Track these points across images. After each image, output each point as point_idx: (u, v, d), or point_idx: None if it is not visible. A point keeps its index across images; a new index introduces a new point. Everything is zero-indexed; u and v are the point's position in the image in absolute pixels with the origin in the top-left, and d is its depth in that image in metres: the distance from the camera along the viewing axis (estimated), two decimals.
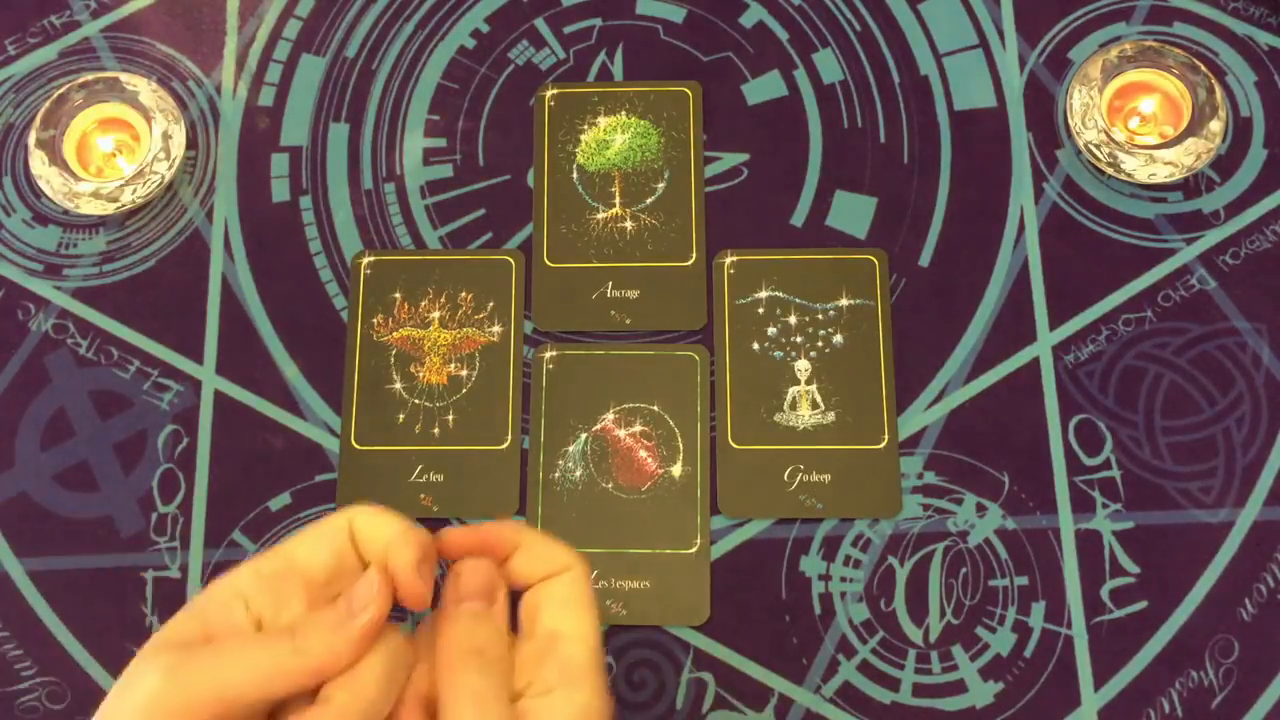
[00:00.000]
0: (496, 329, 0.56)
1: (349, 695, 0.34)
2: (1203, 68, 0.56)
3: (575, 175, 0.58)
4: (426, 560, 0.36)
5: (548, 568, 0.37)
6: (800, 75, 0.59)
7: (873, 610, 0.52)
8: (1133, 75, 0.57)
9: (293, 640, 0.34)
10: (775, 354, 0.55)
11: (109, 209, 0.56)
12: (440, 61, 0.60)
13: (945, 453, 0.54)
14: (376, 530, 0.37)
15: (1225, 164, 0.58)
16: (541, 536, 0.38)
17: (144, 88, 0.58)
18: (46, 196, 0.57)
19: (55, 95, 0.57)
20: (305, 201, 0.58)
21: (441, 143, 0.59)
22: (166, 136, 0.57)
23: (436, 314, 0.56)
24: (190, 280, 0.57)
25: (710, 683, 0.51)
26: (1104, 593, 0.52)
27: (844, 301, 0.56)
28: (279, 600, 0.36)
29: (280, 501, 0.54)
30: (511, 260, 0.57)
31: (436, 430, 0.54)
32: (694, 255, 0.57)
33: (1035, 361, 0.55)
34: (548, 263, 0.57)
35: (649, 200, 0.58)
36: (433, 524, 0.53)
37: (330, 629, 0.34)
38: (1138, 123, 0.57)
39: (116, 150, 0.58)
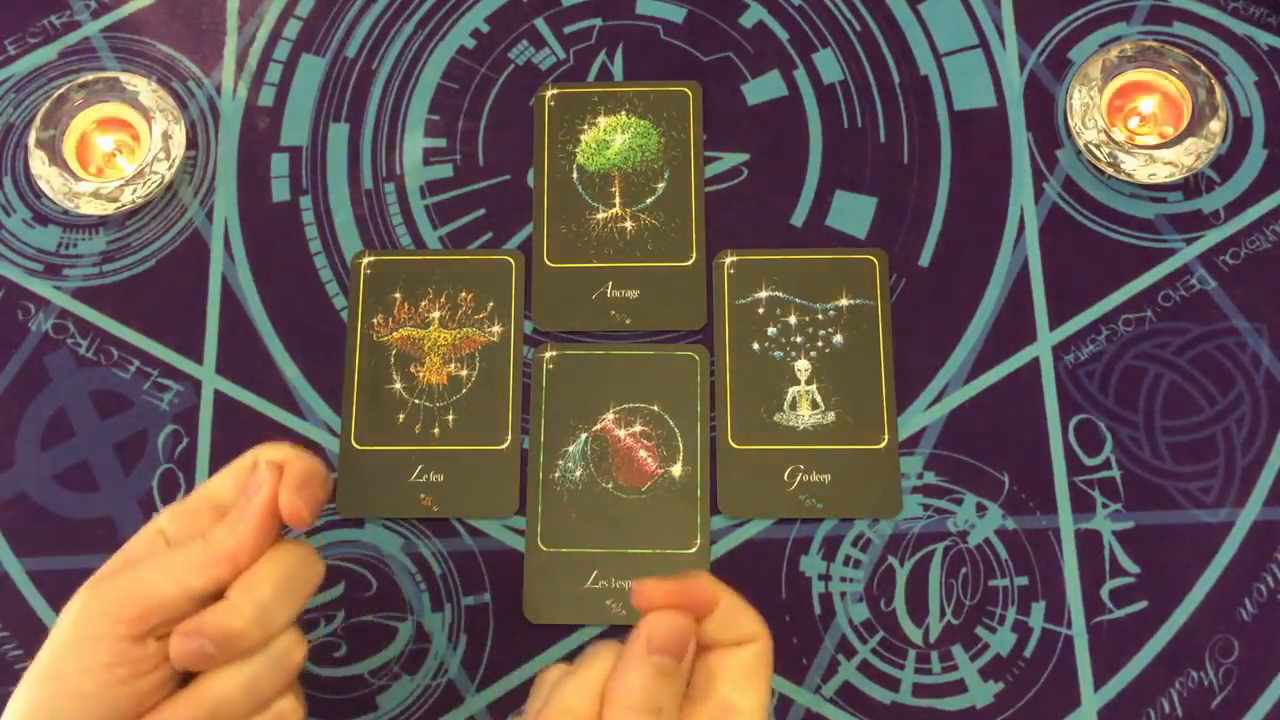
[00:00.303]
0: (496, 329, 0.56)
1: (245, 592, 0.38)
2: (1203, 68, 0.56)
3: (575, 175, 0.58)
4: (310, 484, 0.40)
5: (736, 634, 0.37)
6: (800, 75, 0.59)
7: (873, 610, 0.52)
8: (1133, 75, 0.57)
9: (203, 539, 0.39)
10: (775, 354, 0.55)
11: (109, 209, 0.56)
12: (440, 61, 0.60)
13: (945, 453, 0.54)
14: (276, 455, 0.41)
15: (1225, 164, 0.58)
16: (737, 600, 0.38)
17: (144, 88, 0.58)
18: (46, 196, 0.57)
19: (55, 95, 0.57)
20: (305, 201, 0.58)
21: (441, 143, 0.59)
22: (166, 136, 0.57)
23: (436, 314, 0.56)
24: (190, 280, 0.57)
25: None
26: (1104, 593, 0.52)
27: (844, 301, 0.56)
28: (193, 528, 0.40)
29: None
30: (511, 260, 0.57)
31: (436, 430, 0.54)
32: (694, 255, 0.57)
33: (1035, 361, 0.55)
34: (548, 263, 0.57)
35: (649, 200, 0.58)
36: (433, 524, 0.54)
37: (231, 521, 0.39)
38: (1138, 123, 0.57)
39: (116, 150, 0.58)
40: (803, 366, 0.55)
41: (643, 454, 0.54)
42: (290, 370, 0.56)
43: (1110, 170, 0.56)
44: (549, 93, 0.59)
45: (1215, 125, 0.55)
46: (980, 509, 0.53)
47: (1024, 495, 0.53)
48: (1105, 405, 0.54)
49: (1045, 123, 0.58)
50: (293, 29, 0.61)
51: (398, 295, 0.56)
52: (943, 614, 0.52)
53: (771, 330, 0.56)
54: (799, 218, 0.57)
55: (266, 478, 0.39)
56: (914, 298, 0.56)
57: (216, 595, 0.38)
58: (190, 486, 0.54)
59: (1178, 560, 0.53)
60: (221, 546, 0.38)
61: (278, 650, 0.39)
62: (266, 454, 0.41)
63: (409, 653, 0.52)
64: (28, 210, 0.58)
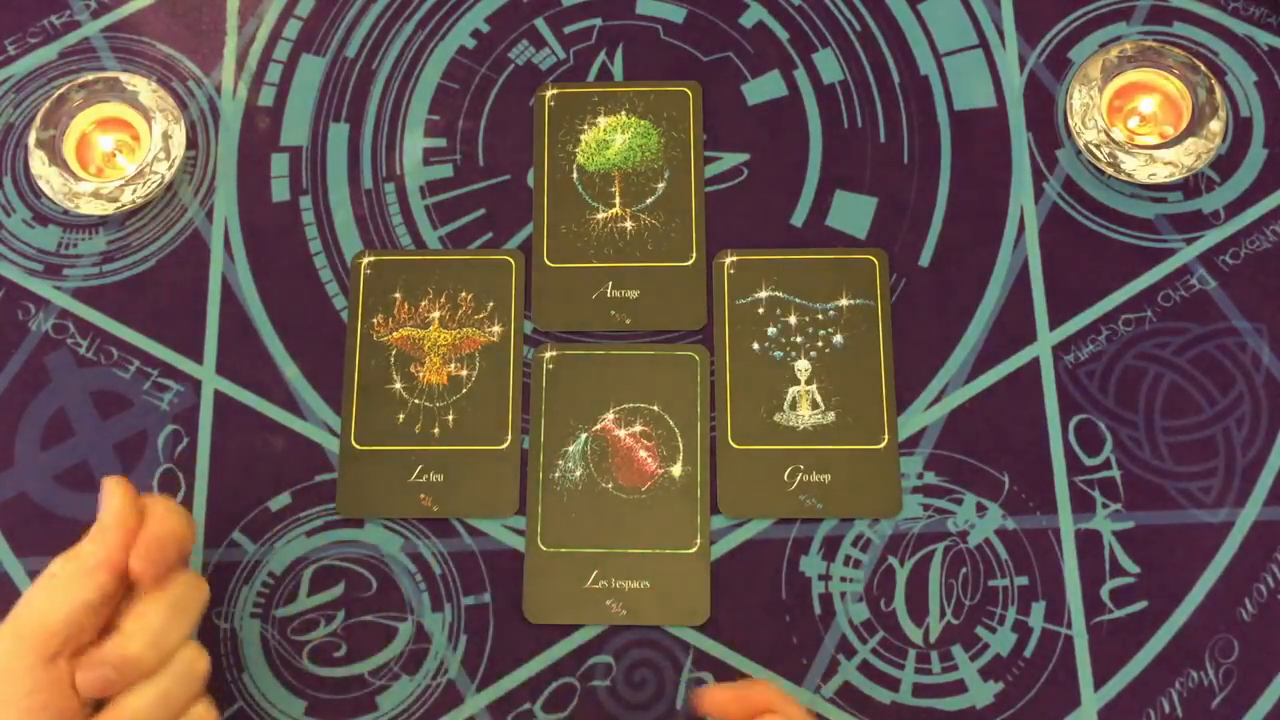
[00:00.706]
0: (496, 329, 0.56)
1: (136, 621, 0.42)
2: (1203, 68, 0.56)
3: (575, 175, 0.58)
4: (162, 548, 0.43)
5: None
6: (800, 75, 0.59)
7: (873, 610, 0.52)
8: (1133, 75, 0.57)
9: (76, 557, 0.43)
10: (775, 354, 0.55)
11: (109, 209, 0.56)
12: (440, 61, 0.60)
13: (945, 453, 0.54)
14: (151, 504, 0.45)
15: (1225, 164, 0.58)
16: (794, 706, 0.44)
17: (144, 88, 0.58)
18: (46, 196, 0.57)
19: (55, 95, 0.57)
20: (305, 201, 0.58)
21: (441, 143, 0.59)
22: (166, 136, 0.57)
23: (436, 314, 0.56)
24: (190, 280, 0.57)
25: (710, 683, 0.51)
26: (1104, 593, 0.52)
27: (844, 301, 0.56)
28: None
29: (280, 501, 0.54)
30: (511, 260, 0.57)
31: (436, 430, 0.54)
32: (694, 255, 0.57)
33: (1035, 361, 0.55)
34: (548, 263, 0.57)
35: (649, 200, 0.58)
36: (433, 524, 0.54)
37: (95, 533, 0.43)
38: (1138, 123, 0.57)
39: (116, 150, 0.58)
40: (803, 366, 0.55)
41: (643, 454, 0.54)
42: (290, 370, 0.56)
43: (1110, 170, 0.56)
44: (549, 93, 0.59)
45: (1215, 125, 0.55)
46: (980, 509, 0.53)
47: (1024, 495, 0.53)
48: (1105, 405, 0.54)
49: (1045, 123, 0.58)
50: (293, 29, 0.61)
51: (398, 295, 0.56)
52: (943, 614, 0.52)
53: (771, 330, 0.56)
54: (799, 218, 0.57)
55: (113, 490, 0.44)
56: (914, 298, 0.56)
57: (110, 602, 0.43)
58: (190, 487, 0.54)
59: (1178, 560, 0.53)
60: (92, 557, 0.43)
61: (181, 665, 0.43)
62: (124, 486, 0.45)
63: (409, 653, 0.52)
64: (28, 210, 0.58)
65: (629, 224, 0.57)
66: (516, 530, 0.53)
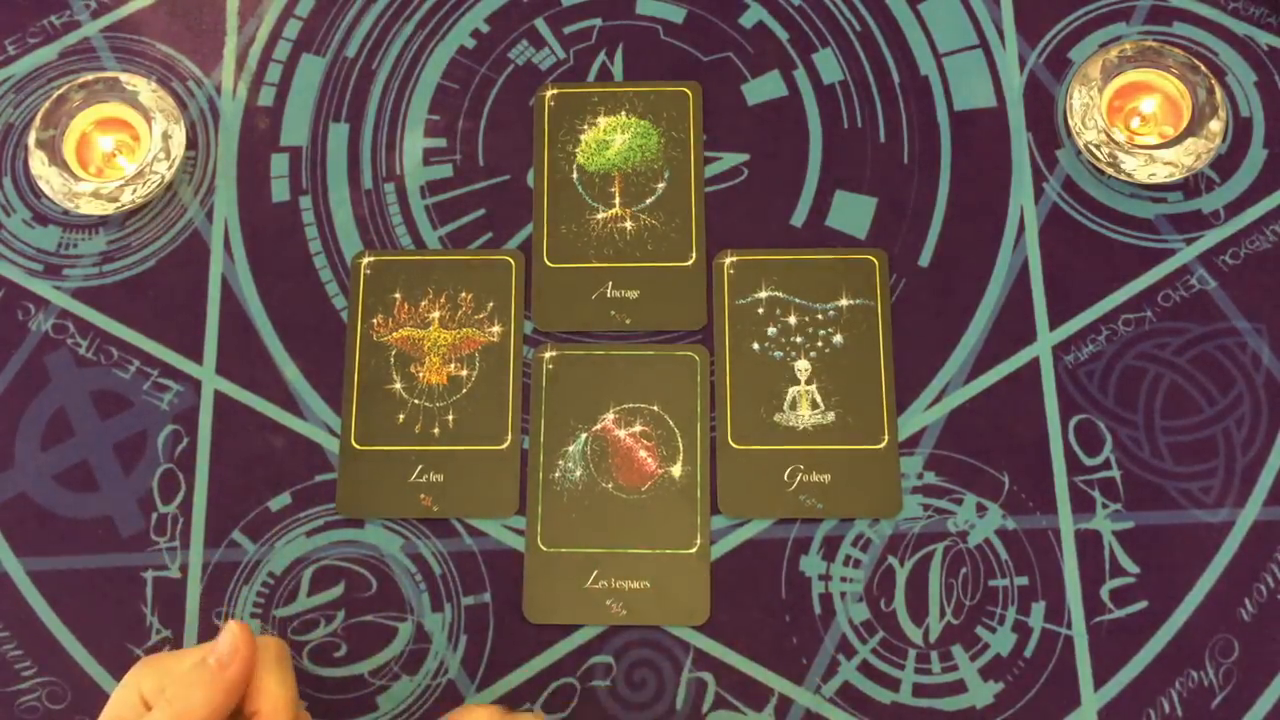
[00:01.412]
0: (496, 329, 0.56)
1: (268, 702, 0.41)
2: (1203, 68, 0.56)
3: (575, 175, 0.58)
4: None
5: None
6: (800, 75, 0.59)
7: (873, 610, 0.52)
8: (1133, 75, 0.57)
9: (168, 702, 0.40)
10: (775, 354, 0.55)
11: (109, 209, 0.56)
12: (440, 61, 0.60)
13: (945, 453, 0.54)
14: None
15: (1225, 164, 0.58)
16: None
17: (144, 88, 0.58)
18: (46, 196, 0.57)
19: (55, 95, 0.57)
20: (305, 201, 0.58)
21: (441, 143, 0.59)
22: (166, 136, 0.57)
23: (436, 314, 0.56)
24: (190, 280, 0.57)
25: (710, 683, 0.51)
26: (1104, 593, 0.52)
27: (844, 301, 0.56)
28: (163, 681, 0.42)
29: (280, 501, 0.54)
30: (511, 260, 0.57)
31: (436, 430, 0.54)
32: (694, 255, 0.57)
33: (1035, 361, 0.55)
34: (548, 263, 0.57)
35: (649, 200, 0.58)
36: (433, 524, 0.54)
37: (204, 684, 0.40)
38: (1138, 123, 0.57)
39: (116, 150, 0.58)
40: (803, 366, 0.55)
41: (643, 454, 0.54)
42: (290, 370, 0.56)
43: (1110, 170, 0.56)
44: (549, 93, 0.59)
45: (1215, 125, 0.55)
46: (980, 509, 0.53)
47: (1024, 495, 0.53)
48: (1105, 405, 0.54)
49: (1045, 123, 0.58)
50: (293, 29, 0.61)
51: (398, 295, 0.56)
52: (943, 614, 0.52)
53: (771, 330, 0.56)
54: (799, 218, 0.57)
55: (239, 646, 0.41)
56: (914, 298, 0.56)
57: None
58: (190, 487, 0.54)
59: (1178, 560, 0.53)
60: (194, 716, 0.40)
61: None
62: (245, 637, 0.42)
63: (409, 653, 0.52)
64: (28, 210, 0.58)
65: (629, 224, 0.57)
66: (516, 530, 0.53)
